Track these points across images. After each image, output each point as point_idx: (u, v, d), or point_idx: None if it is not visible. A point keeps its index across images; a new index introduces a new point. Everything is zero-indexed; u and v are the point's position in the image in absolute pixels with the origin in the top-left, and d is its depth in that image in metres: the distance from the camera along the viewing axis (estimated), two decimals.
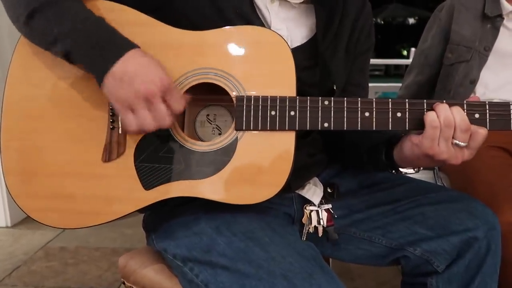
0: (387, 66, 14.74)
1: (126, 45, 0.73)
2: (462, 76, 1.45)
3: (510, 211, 1.11)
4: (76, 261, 1.99)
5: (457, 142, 0.74)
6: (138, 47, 0.74)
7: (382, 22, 22.62)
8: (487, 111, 0.76)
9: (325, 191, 0.95)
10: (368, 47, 0.99)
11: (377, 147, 0.88)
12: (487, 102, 0.76)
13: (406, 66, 1.78)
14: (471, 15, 1.47)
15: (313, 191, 0.93)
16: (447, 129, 0.73)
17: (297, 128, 0.77)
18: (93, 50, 0.73)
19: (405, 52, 17.84)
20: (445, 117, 0.73)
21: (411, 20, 22.51)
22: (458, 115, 0.73)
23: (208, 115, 0.87)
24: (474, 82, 1.44)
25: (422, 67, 1.60)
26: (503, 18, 1.43)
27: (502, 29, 1.43)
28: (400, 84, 1.72)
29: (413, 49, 1.98)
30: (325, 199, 0.94)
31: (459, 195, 0.94)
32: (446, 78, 1.52)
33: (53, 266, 1.95)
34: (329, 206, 0.93)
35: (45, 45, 0.77)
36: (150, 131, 0.74)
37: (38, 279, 1.84)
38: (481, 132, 0.74)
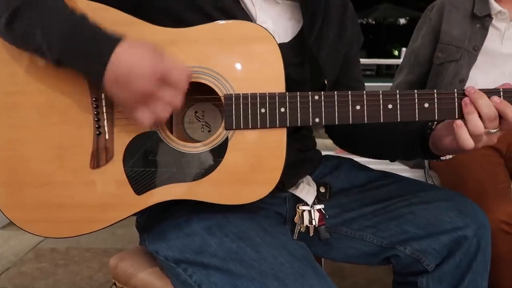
0: (378, 66, 14.77)
1: (111, 43, 0.69)
2: (451, 75, 1.47)
3: (500, 209, 1.12)
4: (67, 262, 1.97)
5: (489, 131, 0.75)
6: (122, 39, 0.70)
7: (374, 22, 22.72)
8: None
9: (317, 190, 0.95)
10: (360, 45, 1.05)
11: (412, 141, 0.89)
12: None
13: (398, 66, 1.79)
14: (460, 15, 1.48)
15: (307, 191, 0.93)
16: (478, 137, 0.75)
17: (288, 125, 0.76)
18: (84, 57, 0.70)
19: (396, 52, 17.95)
20: (473, 127, 0.74)
21: (402, 20, 22.64)
22: (485, 108, 0.74)
23: (196, 112, 0.86)
24: (463, 81, 1.45)
25: (412, 66, 1.61)
26: (492, 18, 1.44)
27: (491, 29, 1.44)
28: (391, 84, 1.74)
29: (404, 49, 1.99)
30: (318, 199, 0.94)
31: (449, 194, 0.94)
32: (436, 77, 1.53)
33: (44, 267, 1.93)
34: (322, 206, 0.93)
35: (30, 50, 0.74)
36: (166, 118, 0.72)
37: (29, 281, 1.82)
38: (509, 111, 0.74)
